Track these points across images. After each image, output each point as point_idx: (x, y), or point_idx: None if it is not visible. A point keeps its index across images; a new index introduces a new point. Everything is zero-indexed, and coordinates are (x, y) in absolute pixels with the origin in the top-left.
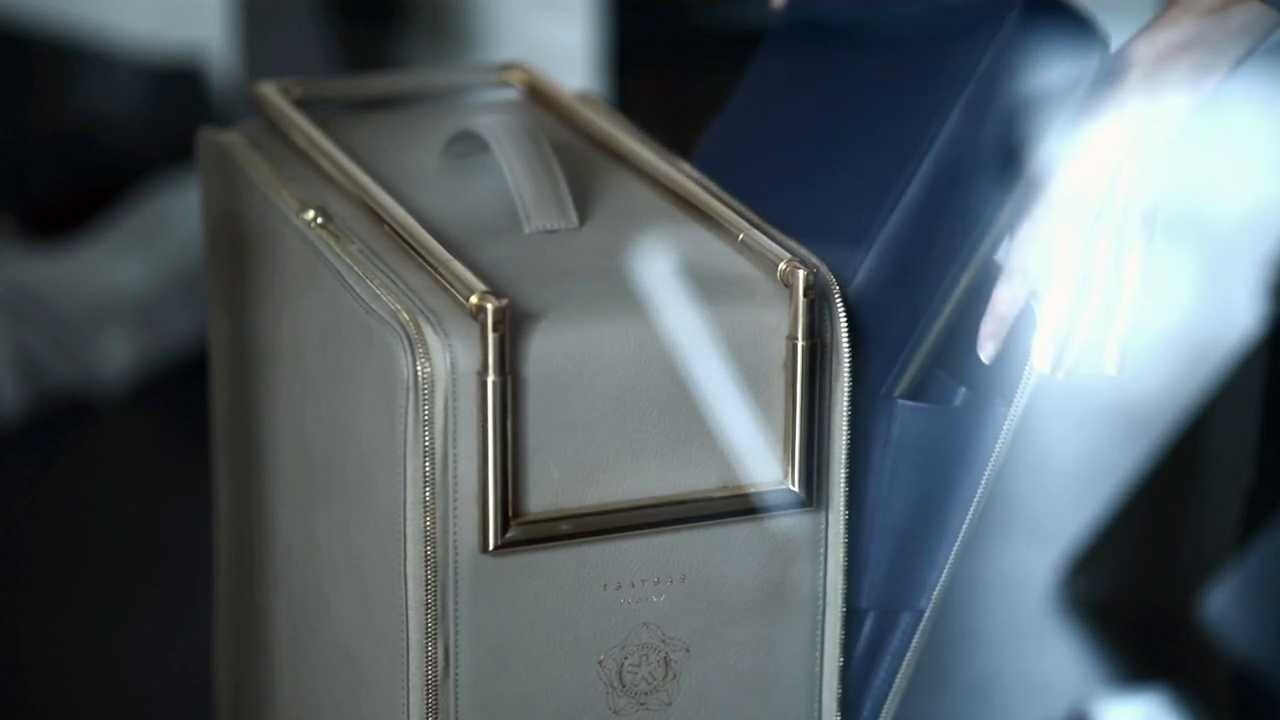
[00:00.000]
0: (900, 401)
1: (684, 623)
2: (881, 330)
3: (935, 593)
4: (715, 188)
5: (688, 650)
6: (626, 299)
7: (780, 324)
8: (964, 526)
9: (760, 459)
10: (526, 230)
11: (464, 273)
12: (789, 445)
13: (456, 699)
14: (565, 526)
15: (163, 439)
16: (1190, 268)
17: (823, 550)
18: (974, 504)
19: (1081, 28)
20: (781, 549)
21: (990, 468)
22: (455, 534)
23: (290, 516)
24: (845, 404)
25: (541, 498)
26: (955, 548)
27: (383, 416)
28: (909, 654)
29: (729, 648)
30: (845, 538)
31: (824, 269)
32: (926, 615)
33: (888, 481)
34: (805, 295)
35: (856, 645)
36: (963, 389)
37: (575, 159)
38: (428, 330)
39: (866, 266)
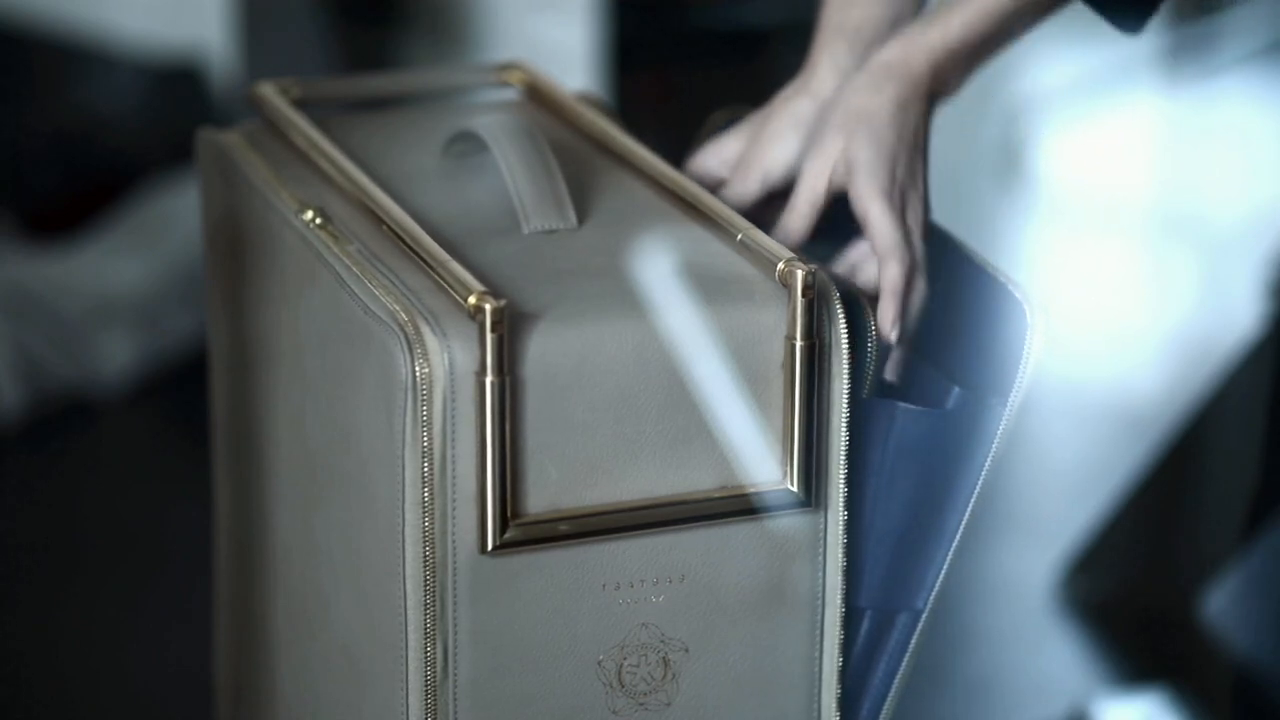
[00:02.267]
0: (899, 404)
1: (683, 623)
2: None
3: (933, 593)
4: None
5: (687, 650)
6: (625, 299)
7: (779, 324)
8: (961, 526)
9: (759, 459)
10: (525, 230)
11: (462, 273)
12: (788, 445)
13: (455, 699)
14: (564, 527)
15: (163, 439)
16: (1190, 268)
17: (821, 550)
18: (970, 504)
19: None
20: (780, 549)
21: (987, 467)
22: (454, 534)
23: (289, 516)
24: (844, 404)
25: (540, 498)
26: (952, 548)
27: (381, 417)
28: (907, 654)
29: (728, 647)
30: (844, 537)
31: (822, 269)
32: (924, 615)
33: (885, 483)
34: (804, 295)
35: (855, 645)
36: (957, 389)
37: (575, 159)
38: (426, 331)
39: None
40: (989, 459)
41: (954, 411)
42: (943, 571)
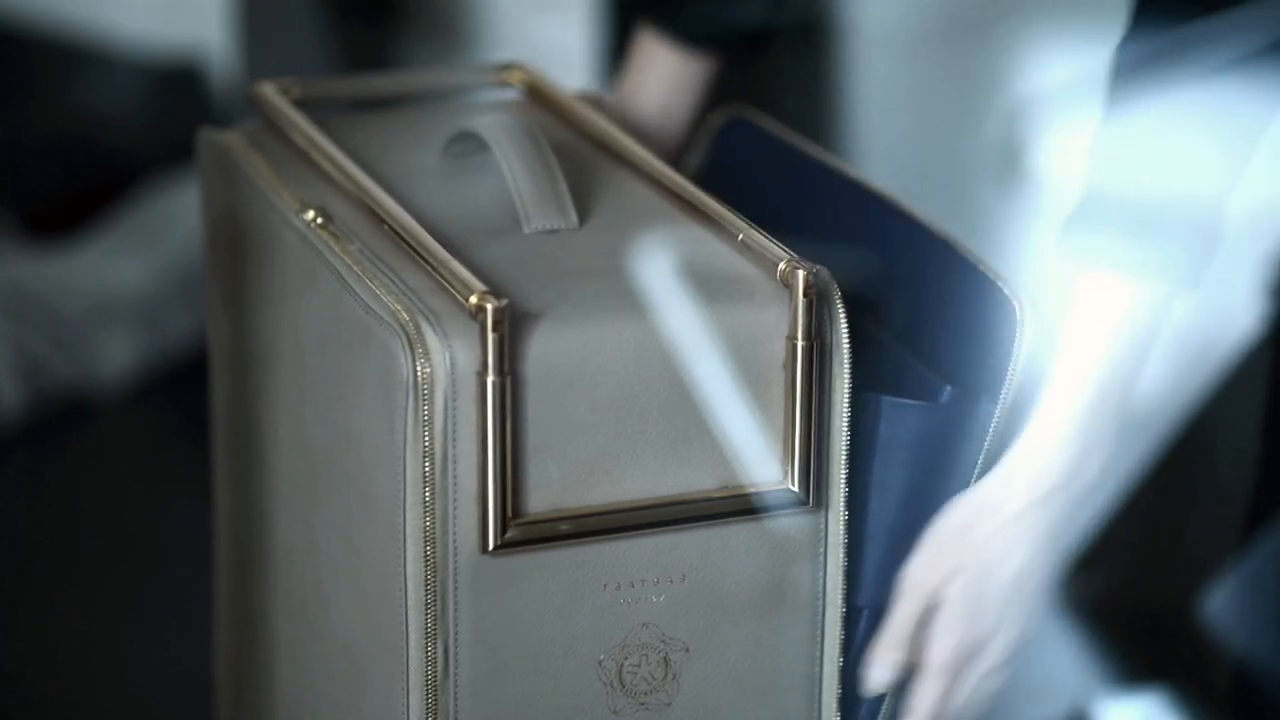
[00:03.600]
0: (885, 398)
1: (684, 623)
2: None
3: None
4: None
5: (687, 650)
6: (626, 299)
7: (780, 324)
8: None
9: (760, 459)
10: (526, 230)
11: (463, 273)
12: (789, 445)
13: (456, 699)
14: (565, 527)
15: (163, 439)
16: None
17: (822, 550)
18: None
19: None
20: (781, 549)
21: (979, 466)
22: (455, 534)
23: (290, 516)
24: (845, 404)
25: (541, 498)
26: None
27: (382, 417)
28: None
29: (729, 648)
30: (845, 538)
31: (824, 269)
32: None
33: (876, 479)
34: (805, 295)
35: (852, 644)
36: (949, 387)
37: (575, 159)
38: (427, 330)
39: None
40: (981, 457)
41: (940, 406)
42: None
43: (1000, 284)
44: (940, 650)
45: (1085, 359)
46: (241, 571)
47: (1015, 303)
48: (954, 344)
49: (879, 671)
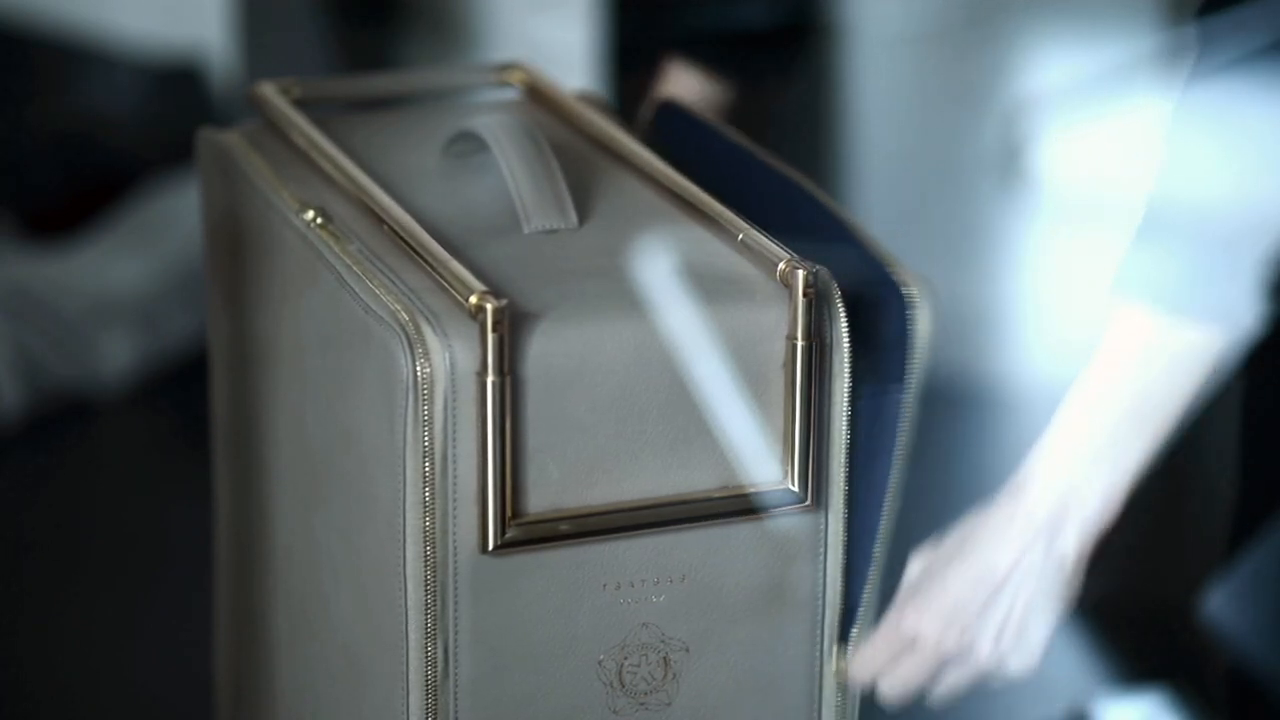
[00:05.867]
0: None
1: (684, 623)
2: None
3: (868, 587)
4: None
5: (687, 650)
6: (626, 299)
7: (780, 324)
8: (883, 518)
9: (760, 459)
10: (526, 230)
11: (463, 273)
12: (789, 445)
13: (456, 699)
14: (565, 527)
15: (163, 439)
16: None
17: (822, 550)
18: (888, 496)
19: None
20: (781, 549)
21: (895, 454)
22: (455, 534)
23: (290, 516)
24: (845, 404)
25: (541, 498)
26: (877, 542)
27: (382, 417)
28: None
29: (729, 648)
30: (844, 537)
31: (824, 269)
32: (861, 611)
33: None
34: (805, 295)
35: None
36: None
37: (575, 159)
38: (427, 330)
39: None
40: (897, 444)
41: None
42: (876, 564)
43: (890, 271)
44: (929, 631)
45: (1117, 384)
46: (241, 571)
47: (906, 291)
48: (858, 332)
49: (863, 669)
